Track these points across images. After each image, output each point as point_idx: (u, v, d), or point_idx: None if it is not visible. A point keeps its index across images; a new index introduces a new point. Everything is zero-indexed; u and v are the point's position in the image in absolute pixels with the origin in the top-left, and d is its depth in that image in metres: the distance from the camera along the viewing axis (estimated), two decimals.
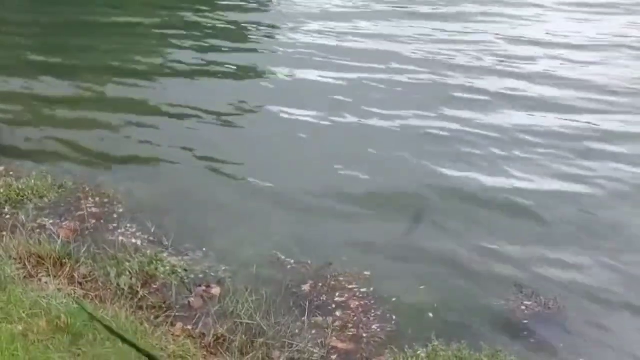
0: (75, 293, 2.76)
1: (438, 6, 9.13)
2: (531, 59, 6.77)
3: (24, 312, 2.45)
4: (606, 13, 8.68)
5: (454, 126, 5.05)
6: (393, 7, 8.99)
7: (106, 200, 3.79)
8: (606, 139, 4.86)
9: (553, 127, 5.08)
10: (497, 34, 7.61)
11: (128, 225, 3.49)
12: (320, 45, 7.27)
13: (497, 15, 8.65)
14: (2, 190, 3.72)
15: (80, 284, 2.84)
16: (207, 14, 8.91)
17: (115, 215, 3.61)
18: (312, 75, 6.37)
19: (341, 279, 2.94)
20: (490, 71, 6.41)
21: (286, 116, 5.28)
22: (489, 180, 4.22)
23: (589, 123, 5.09)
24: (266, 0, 10.11)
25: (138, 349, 0.94)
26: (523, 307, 2.84)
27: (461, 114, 5.27)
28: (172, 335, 2.50)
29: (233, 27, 8.50)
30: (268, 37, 8.25)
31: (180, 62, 6.90)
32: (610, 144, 4.76)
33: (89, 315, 2.23)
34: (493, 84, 5.99)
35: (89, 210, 3.60)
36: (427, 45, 7.26)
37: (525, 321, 2.79)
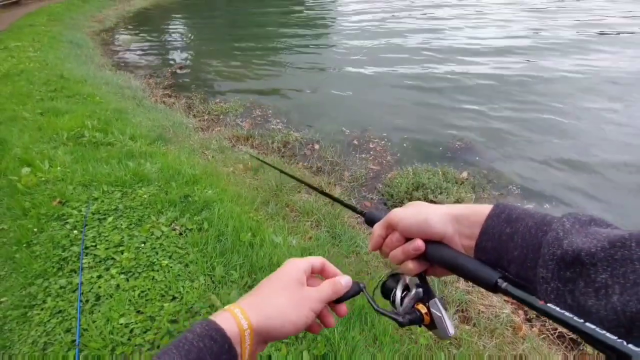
0: (253, 151, 4.71)
1: None
2: None
3: (231, 163, 4.28)
4: None
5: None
6: None
7: (274, 111, 6.00)
8: None
9: None
10: None
11: (275, 120, 5.65)
12: None
13: None
14: (218, 108, 5.97)
15: (256, 147, 4.92)
16: None
17: (268, 116, 5.79)
18: None
19: (372, 137, 4.99)
20: None
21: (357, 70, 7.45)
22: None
23: None
24: None
25: (283, 172, 1.31)
26: (456, 145, 4.63)
27: None
28: (297, 167, 4.46)
29: None
30: None
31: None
32: None
33: (260, 161, 4.00)
34: None
35: (257, 114, 5.88)
36: None
37: (458, 152, 4.56)
